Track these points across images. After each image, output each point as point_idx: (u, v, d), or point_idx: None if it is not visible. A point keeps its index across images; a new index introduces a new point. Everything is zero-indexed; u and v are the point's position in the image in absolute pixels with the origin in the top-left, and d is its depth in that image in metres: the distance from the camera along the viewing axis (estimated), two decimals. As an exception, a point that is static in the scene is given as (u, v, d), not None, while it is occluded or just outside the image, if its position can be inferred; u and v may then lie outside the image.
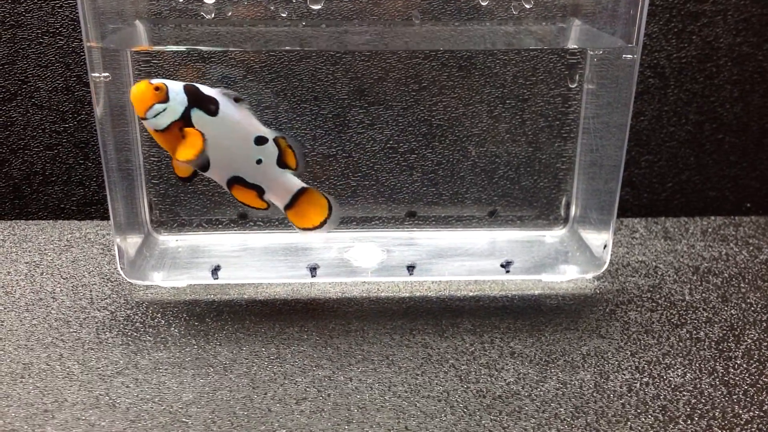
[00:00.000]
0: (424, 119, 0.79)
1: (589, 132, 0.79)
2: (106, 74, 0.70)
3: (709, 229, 0.91)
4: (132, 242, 0.77)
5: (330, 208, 0.70)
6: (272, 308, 0.72)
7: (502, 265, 0.77)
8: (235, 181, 0.68)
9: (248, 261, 0.79)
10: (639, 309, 0.73)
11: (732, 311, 0.73)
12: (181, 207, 0.81)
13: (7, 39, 0.86)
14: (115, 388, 0.60)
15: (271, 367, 0.63)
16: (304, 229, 0.71)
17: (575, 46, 0.76)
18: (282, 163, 0.68)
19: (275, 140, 0.67)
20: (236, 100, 0.66)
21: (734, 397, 0.60)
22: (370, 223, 0.83)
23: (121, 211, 0.75)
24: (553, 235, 0.84)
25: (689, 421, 0.57)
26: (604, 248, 0.77)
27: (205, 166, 0.66)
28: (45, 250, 0.83)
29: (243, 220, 0.82)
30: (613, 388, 0.61)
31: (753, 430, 0.56)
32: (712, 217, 0.95)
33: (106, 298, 0.73)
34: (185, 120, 0.64)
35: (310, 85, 0.77)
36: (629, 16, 0.69)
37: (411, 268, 0.76)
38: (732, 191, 0.95)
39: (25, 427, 0.56)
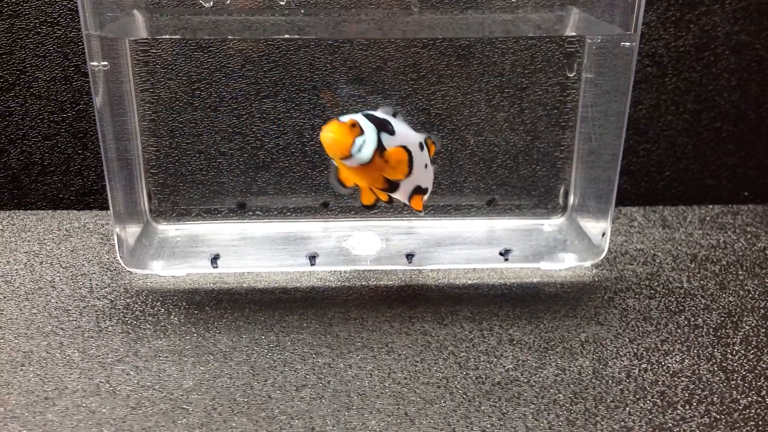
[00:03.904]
0: (423, 108, 0.79)
1: (587, 121, 0.79)
2: (105, 63, 0.70)
3: (707, 218, 0.92)
4: (131, 231, 0.77)
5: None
6: (272, 296, 0.72)
7: (500, 254, 0.77)
8: (415, 191, 0.68)
9: (247, 250, 0.79)
10: (637, 296, 0.73)
11: (730, 298, 0.73)
12: (180, 196, 0.81)
13: (5, 29, 0.86)
14: (116, 376, 0.60)
15: (271, 354, 0.63)
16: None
17: (573, 34, 0.76)
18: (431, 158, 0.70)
19: (425, 141, 0.69)
20: (394, 114, 0.67)
21: (732, 382, 0.60)
22: (368, 212, 0.83)
23: (121, 201, 0.75)
24: (551, 224, 0.84)
25: (687, 407, 0.57)
26: (603, 236, 0.77)
27: (396, 185, 0.67)
28: (44, 239, 0.83)
29: (242, 209, 0.82)
30: (611, 375, 0.61)
31: (751, 415, 0.57)
32: (710, 206, 0.95)
33: (105, 287, 0.73)
34: (380, 146, 0.64)
35: (308, 75, 0.78)
36: (627, 3, 0.69)
37: (410, 257, 0.77)
38: (730, 180, 0.95)
39: (26, 414, 0.56)
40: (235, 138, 0.79)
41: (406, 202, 0.69)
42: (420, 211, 0.70)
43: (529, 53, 0.78)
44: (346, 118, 0.63)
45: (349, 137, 0.62)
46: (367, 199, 0.69)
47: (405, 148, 0.65)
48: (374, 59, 0.77)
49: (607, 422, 0.56)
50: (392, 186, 0.66)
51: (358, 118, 0.64)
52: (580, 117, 0.80)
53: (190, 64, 0.77)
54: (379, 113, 0.66)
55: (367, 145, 0.63)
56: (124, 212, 0.75)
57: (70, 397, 0.58)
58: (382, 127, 0.64)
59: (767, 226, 0.89)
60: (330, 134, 0.62)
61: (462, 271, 0.77)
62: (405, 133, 0.66)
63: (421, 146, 0.67)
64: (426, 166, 0.68)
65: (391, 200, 0.69)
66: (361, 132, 0.63)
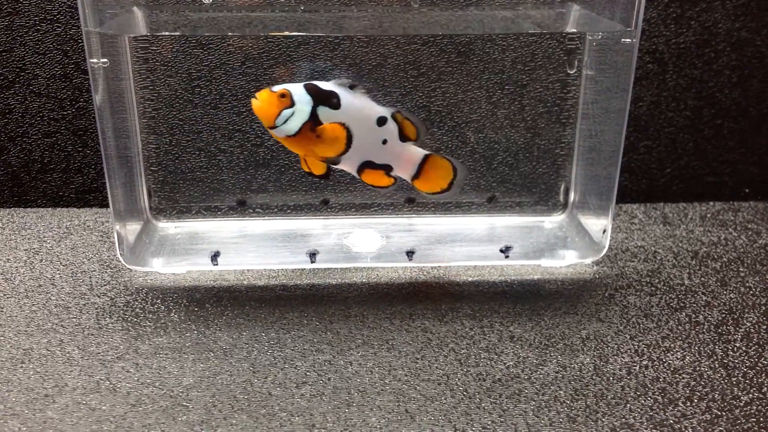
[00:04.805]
0: (423, 105, 0.79)
1: (588, 117, 0.79)
2: (105, 60, 0.70)
3: (708, 215, 0.91)
4: (131, 229, 0.77)
5: (455, 170, 0.71)
6: (272, 294, 0.72)
7: (501, 251, 0.77)
8: (365, 165, 0.69)
9: (247, 247, 0.79)
10: (638, 293, 0.73)
11: (731, 295, 0.73)
12: (180, 194, 0.81)
13: (5, 26, 0.86)
14: (116, 373, 0.60)
15: (271, 351, 0.63)
16: (434, 194, 0.72)
17: (574, 31, 0.76)
18: (403, 136, 0.69)
19: (392, 116, 0.68)
20: (351, 87, 0.67)
21: (733, 379, 0.60)
22: (369, 210, 0.83)
23: (120, 198, 0.74)
24: (552, 221, 0.84)
25: (689, 403, 0.57)
26: (603, 233, 0.77)
27: (338, 159, 0.67)
28: (44, 237, 0.83)
29: (242, 206, 0.82)
30: (612, 371, 0.61)
31: (752, 411, 0.56)
32: (711, 203, 0.95)
33: (105, 285, 0.73)
34: (314, 119, 0.65)
35: (308, 71, 0.77)
36: (628, 0, 0.69)
37: (410, 254, 0.77)
38: (731, 176, 0.95)
39: (26, 411, 0.56)
40: (235, 135, 0.79)
41: (356, 175, 0.69)
42: (379, 187, 0.70)
43: (529, 50, 0.78)
44: (279, 88, 0.64)
45: (275, 108, 0.63)
46: (306, 167, 0.69)
47: (343, 124, 0.65)
48: (374, 56, 0.77)
49: (608, 419, 0.55)
50: (331, 159, 0.67)
51: (295, 88, 0.65)
52: (580, 114, 0.79)
53: (190, 61, 0.76)
54: (329, 84, 0.66)
55: (294, 117, 0.64)
56: (124, 210, 0.75)
57: (70, 394, 0.58)
58: (323, 99, 0.64)
59: (768, 223, 0.89)
60: (257, 102, 0.64)
61: (462, 268, 0.77)
62: (358, 107, 0.66)
63: (380, 121, 0.67)
64: (385, 141, 0.68)
65: (328, 174, 0.68)
66: (292, 104, 0.63)
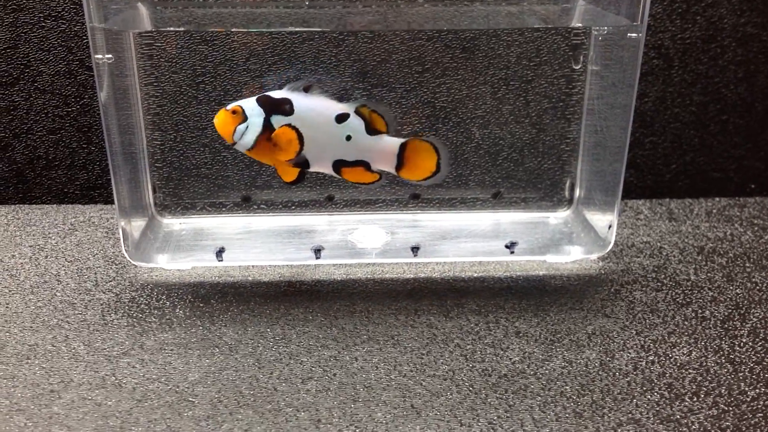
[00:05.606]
0: (428, 101, 0.79)
1: (593, 113, 0.79)
2: (110, 56, 0.69)
3: (714, 210, 0.91)
4: (136, 225, 0.77)
5: (436, 149, 0.70)
6: (277, 290, 0.72)
7: (506, 246, 0.77)
8: (340, 164, 0.69)
9: (252, 243, 0.79)
10: (644, 289, 0.73)
11: (737, 290, 0.72)
12: (184, 190, 0.81)
13: (9, 23, 0.86)
14: (121, 369, 0.60)
15: (277, 347, 0.63)
16: (426, 179, 0.71)
17: (579, 26, 0.75)
18: (372, 129, 0.68)
19: (357, 111, 0.68)
20: (306, 89, 0.67)
21: (740, 374, 0.60)
22: (374, 206, 0.83)
23: (125, 195, 0.74)
24: (557, 217, 0.84)
25: (695, 398, 0.57)
26: (609, 229, 0.76)
27: (306, 163, 0.68)
28: (49, 233, 0.83)
29: (246, 203, 0.82)
30: (618, 367, 0.61)
31: (759, 407, 0.56)
32: (717, 198, 0.95)
33: (110, 281, 0.73)
34: (269, 129, 0.66)
35: (312, 67, 0.77)
36: (634, -5, 0.69)
37: (415, 250, 0.76)
38: (736, 172, 0.95)
39: (32, 407, 0.56)
40: (239, 131, 0.79)
41: (335, 175, 0.69)
42: (366, 183, 0.71)
43: (534, 45, 0.78)
44: (231, 106, 0.66)
45: (230, 125, 0.65)
46: (288, 176, 0.70)
47: (290, 125, 0.65)
48: (379, 52, 0.77)
49: (614, 414, 0.55)
50: (295, 161, 0.68)
51: (246, 103, 0.66)
52: (586, 109, 0.79)
53: (195, 57, 0.76)
54: (282, 92, 0.67)
55: (248, 131, 0.66)
56: (129, 206, 0.75)
57: (76, 389, 0.58)
58: (275, 108, 0.65)
59: (774, 219, 0.89)
60: (216, 123, 0.66)
61: (468, 263, 0.77)
62: (313, 108, 0.67)
63: (340, 118, 0.67)
64: (349, 137, 0.68)
65: (300, 179, 0.69)
66: (245, 118, 0.64)
